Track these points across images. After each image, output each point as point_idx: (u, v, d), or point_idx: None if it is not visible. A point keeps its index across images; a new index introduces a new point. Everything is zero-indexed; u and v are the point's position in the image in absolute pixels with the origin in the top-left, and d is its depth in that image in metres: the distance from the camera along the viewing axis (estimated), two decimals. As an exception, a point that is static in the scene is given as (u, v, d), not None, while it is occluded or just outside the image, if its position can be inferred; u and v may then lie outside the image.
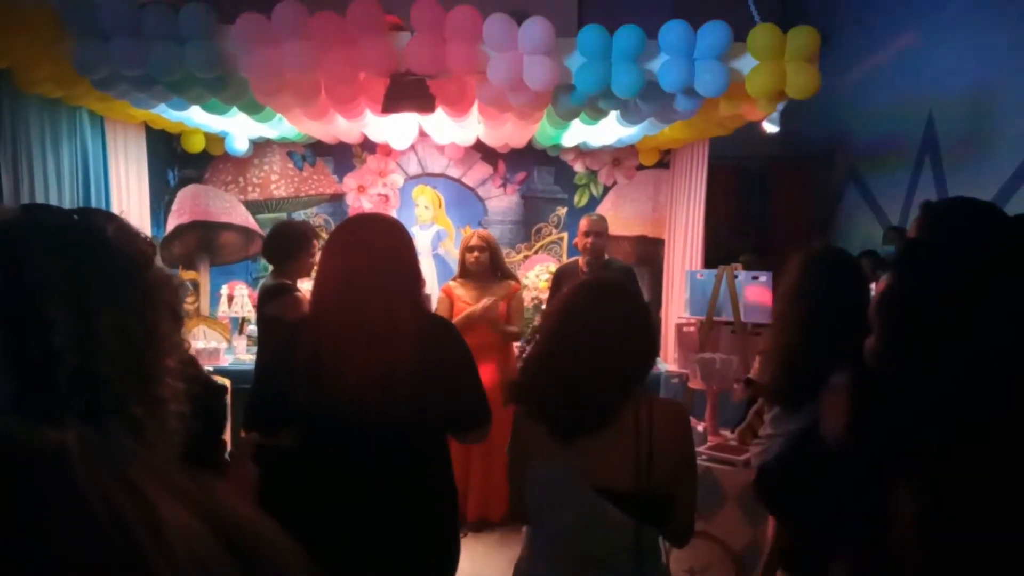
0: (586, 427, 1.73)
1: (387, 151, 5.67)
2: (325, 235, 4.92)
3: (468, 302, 4.26)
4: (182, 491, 0.33)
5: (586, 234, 4.36)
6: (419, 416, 1.94)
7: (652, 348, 1.86)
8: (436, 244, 5.86)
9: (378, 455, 1.93)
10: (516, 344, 4.47)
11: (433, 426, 2.03)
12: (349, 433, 1.91)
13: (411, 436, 1.95)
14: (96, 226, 0.90)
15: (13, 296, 0.81)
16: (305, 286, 3.36)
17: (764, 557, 2.58)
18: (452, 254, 5.82)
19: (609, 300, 1.80)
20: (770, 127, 4.43)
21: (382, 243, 1.99)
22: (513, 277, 4.50)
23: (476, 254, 4.26)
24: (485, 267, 4.26)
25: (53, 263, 0.84)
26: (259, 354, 3.60)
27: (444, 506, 2.09)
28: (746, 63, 3.63)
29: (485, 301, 4.16)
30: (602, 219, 4.49)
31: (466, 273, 4.33)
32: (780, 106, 3.94)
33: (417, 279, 2.04)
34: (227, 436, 4.43)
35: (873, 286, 4.08)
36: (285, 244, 3.52)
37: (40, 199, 3.97)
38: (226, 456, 1.59)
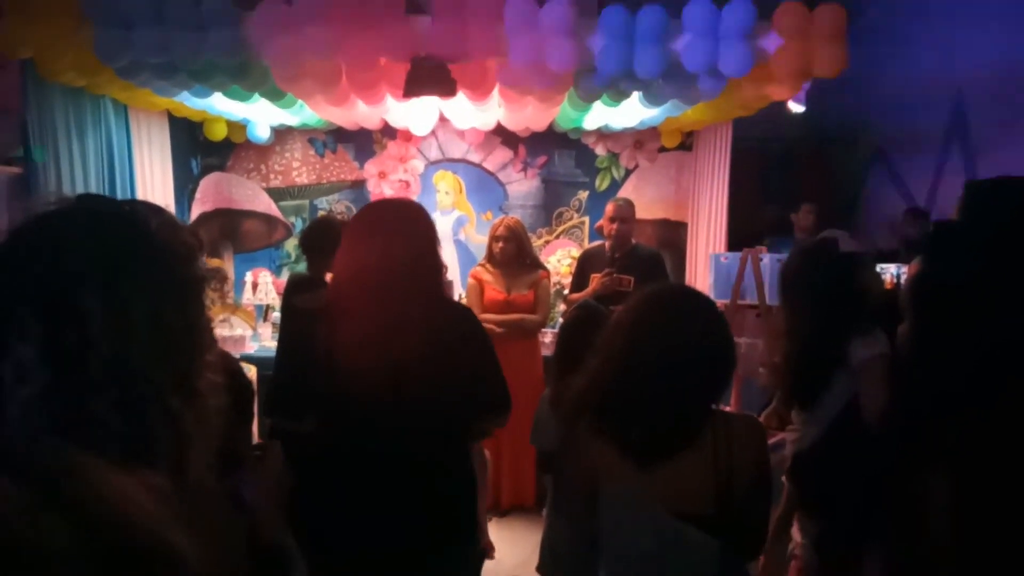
0: (668, 451, 1.61)
1: (407, 137, 5.66)
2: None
3: (497, 288, 4.27)
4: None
5: (612, 219, 4.25)
6: (434, 404, 1.90)
7: (732, 361, 1.68)
8: (457, 230, 5.86)
9: (392, 444, 1.90)
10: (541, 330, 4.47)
11: (450, 415, 1.98)
12: (364, 421, 1.90)
13: (426, 425, 1.91)
14: (139, 217, 0.89)
15: (49, 284, 0.81)
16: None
17: (771, 535, 2.57)
18: (473, 239, 5.81)
19: (683, 310, 1.65)
20: (796, 107, 4.36)
21: (398, 230, 1.96)
22: (541, 265, 4.49)
23: (502, 244, 4.24)
24: (511, 257, 4.25)
25: (91, 252, 0.84)
26: (280, 342, 3.62)
27: (462, 496, 2.05)
28: (771, 42, 3.57)
29: (514, 317, 4.20)
30: (628, 203, 4.39)
31: (493, 259, 4.33)
32: (806, 85, 3.88)
33: (435, 265, 2.01)
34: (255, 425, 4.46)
35: (894, 267, 3.98)
36: (323, 239, 3.51)
37: (66, 189, 4.00)
38: (253, 448, 1.60)
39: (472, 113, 4.79)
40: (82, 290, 0.80)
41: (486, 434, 2.25)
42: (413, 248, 1.94)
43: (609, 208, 4.34)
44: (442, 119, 5.12)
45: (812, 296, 2.19)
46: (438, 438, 1.97)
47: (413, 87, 3.78)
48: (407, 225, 1.99)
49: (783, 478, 2.34)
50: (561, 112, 4.95)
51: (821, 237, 2.37)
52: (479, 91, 3.98)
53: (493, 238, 4.30)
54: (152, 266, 0.86)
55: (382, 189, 5.79)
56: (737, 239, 5.24)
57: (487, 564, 3.63)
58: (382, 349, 1.84)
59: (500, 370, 2.05)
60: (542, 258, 5.46)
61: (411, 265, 1.92)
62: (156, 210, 0.95)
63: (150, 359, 0.83)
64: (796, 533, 2.31)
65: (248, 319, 5.34)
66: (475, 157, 5.86)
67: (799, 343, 2.20)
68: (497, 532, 4.13)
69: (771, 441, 3.12)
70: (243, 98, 4.22)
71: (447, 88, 3.77)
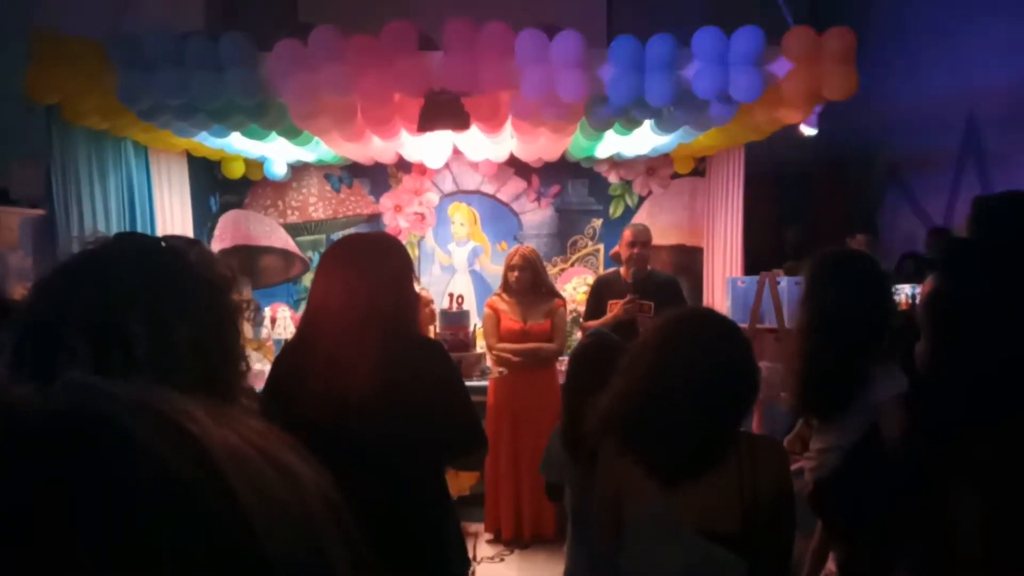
0: (693, 471, 1.62)
1: (422, 170, 5.72)
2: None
3: (513, 318, 4.29)
4: (215, 416, 0.38)
5: (632, 244, 4.29)
6: (381, 441, 1.82)
7: (756, 383, 1.68)
8: (472, 260, 5.89)
9: (339, 480, 1.84)
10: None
11: (402, 452, 1.87)
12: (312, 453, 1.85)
13: (380, 465, 1.81)
14: (179, 250, 0.96)
15: (99, 310, 0.86)
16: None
17: (806, 566, 2.52)
18: (489, 269, 5.84)
19: (708, 332, 1.67)
20: (808, 130, 4.37)
21: (362, 264, 1.93)
22: (557, 294, 4.51)
23: (517, 274, 4.27)
24: (527, 286, 4.28)
25: (137, 282, 0.89)
26: None
27: (421, 538, 1.91)
28: (781, 66, 3.60)
29: (531, 346, 4.24)
30: (646, 229, 4.45)
31: (509, 288, 4.35)
32: (818, 108, 3.89)
33: (400, 301, 1.95)
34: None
35: (909, 287, 3.96)
36: None
37: (88, 227, 4.08)
38: None
39: (485, 145, 4.84)
40: (129, 317, 0.86)
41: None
42: (375, 283, 1.90)
43: (627, 233, 4.37)
44: (456, 152, 5.18)
45: (842, 301, 2.14)
46: (388, 476, 1.85)
47: (427, 121, 3.83)
48: (373, 260, 1.95)
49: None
50: (573, 142, 5.00)
51: (859, 256, 2.34)
52: (492, 123, 4.03)
53: (508, 267, 4.33)
54: (192, 294, 0.92)
55: (398, 222, 5.85)
56: (753, 263, 5.22)
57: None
58: (329, 382, 1.80)
59: (471, 410, 2.00)
60: (557, 286, 5.47)
61: (372, 300, 1.88)
62: (192, 242, 1.00)
63: (191, 381, 0.87)
64: (830, 562, 2.27)
65: (267, 354, 5.37)
66: (489, 188, 5.91)
67: (819, 345, 2.16)
68: (519, 564, 4.10)
69: (792, 468, 3.09)
70: (260, 136, 4.30)
71: (461, 122, 3.82)
